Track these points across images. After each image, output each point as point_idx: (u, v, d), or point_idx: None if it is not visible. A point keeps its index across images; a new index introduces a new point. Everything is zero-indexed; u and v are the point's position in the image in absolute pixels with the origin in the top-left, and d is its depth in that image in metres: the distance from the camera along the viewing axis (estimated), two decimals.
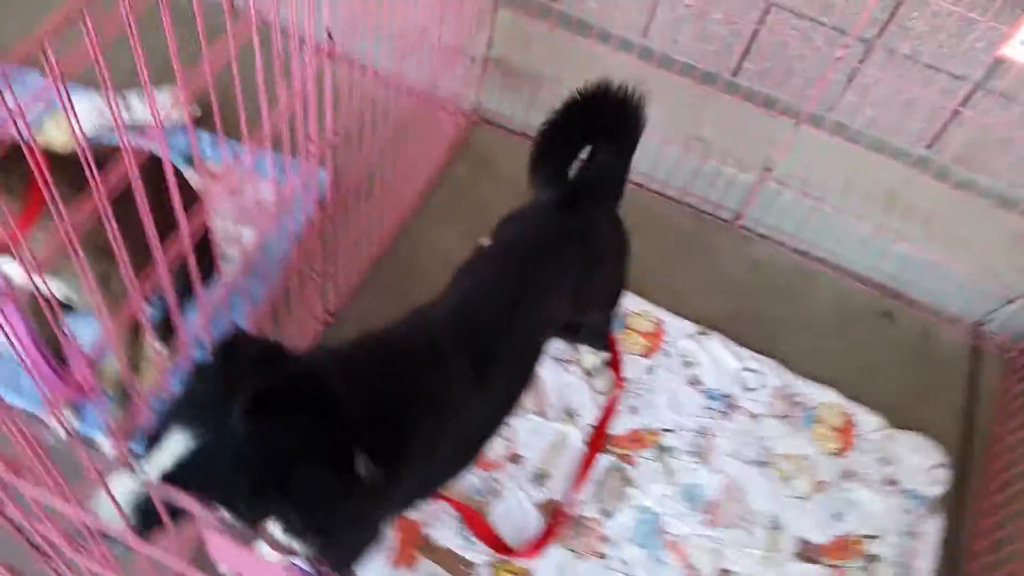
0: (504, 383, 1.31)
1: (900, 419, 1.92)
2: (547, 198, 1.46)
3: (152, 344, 1.49)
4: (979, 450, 1.94)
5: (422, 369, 1.19)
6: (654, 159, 2.17)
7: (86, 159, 0.92)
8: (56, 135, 1.98)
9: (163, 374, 1.47)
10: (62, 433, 1.62)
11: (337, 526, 1.06)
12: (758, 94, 2.07)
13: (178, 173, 1.28)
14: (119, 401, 1.60)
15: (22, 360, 1.23)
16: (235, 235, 1.75)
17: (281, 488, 0.95)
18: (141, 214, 1.07)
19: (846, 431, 1.88)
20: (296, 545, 1.14)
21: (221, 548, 0.67)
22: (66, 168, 0.97)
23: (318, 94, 1.31)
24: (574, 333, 1.62)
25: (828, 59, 1.93)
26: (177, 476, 0.92)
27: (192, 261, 1.22)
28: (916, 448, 1.88)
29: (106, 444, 1.61)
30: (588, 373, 1.86)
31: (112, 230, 1.03)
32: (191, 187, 1.45)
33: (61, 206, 0.94)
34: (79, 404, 1.65)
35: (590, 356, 1.87)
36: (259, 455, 0.94)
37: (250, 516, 1.00)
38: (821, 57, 1.92)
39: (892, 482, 1.83)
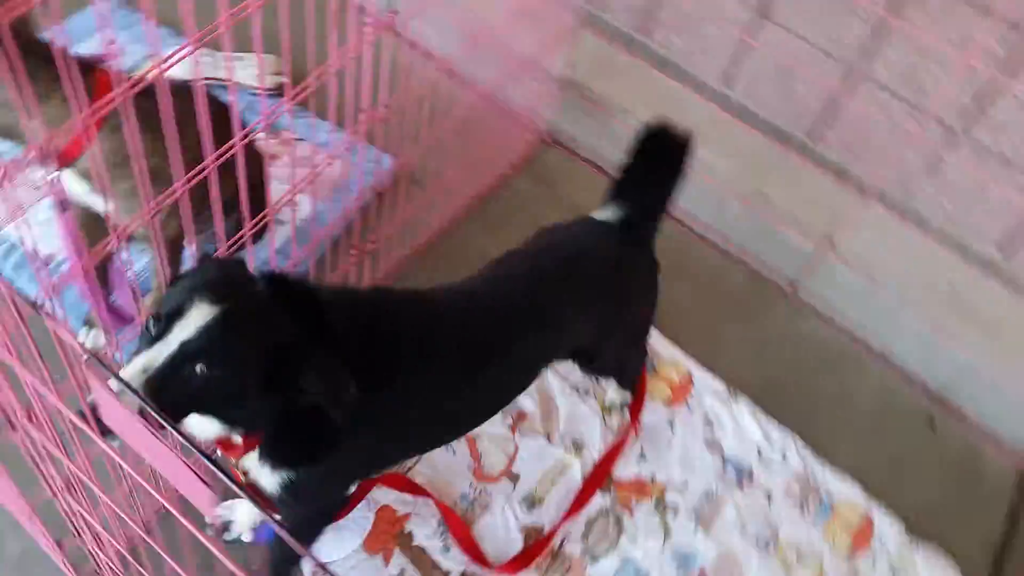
0: (499, 373, 1.27)
1: (924, 533, 1.80)
2: (603, 217, 1.44)
3: None
4: None
5: (423, 329, 1.17)
6: (716, 210, 2.12)
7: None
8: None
9: None
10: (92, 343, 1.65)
11: (323, 445, 1.08)
12: (831, 163, 2.00)
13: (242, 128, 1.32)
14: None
15: (72, 274, 1.25)
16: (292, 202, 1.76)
17: (294, 368, 0.96)
18: (203, 147, 1.10)
19: (862, 532, 1.76)
20: (266, 478, 1.12)
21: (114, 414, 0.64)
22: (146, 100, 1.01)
23: (374, 64, 1.31)
24: (589, 363, 1.56)
25: (910, 141, 1.86)
26: (197, 348, 0.91)
27: (245, 206, 1.25)
28: (933, 566, 1.75)
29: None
30: (606, 410, 1.80)
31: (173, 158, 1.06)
32: (254, 148, 1.48)
33: (131, 127, 0.98)
34: (117, 328, 1.66)
35: (613, 393, 1.81)
36: (277, 326, 0.96)
37: (252, 409, 0.99)
38: (902, 137, 1.86)
39: None
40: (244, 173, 1.21)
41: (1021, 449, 1.98)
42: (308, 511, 1.27)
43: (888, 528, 1.78)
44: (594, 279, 1.37)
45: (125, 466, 0.72)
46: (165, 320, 0.92)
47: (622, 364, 1.66)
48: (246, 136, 1.16)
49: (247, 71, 2.11)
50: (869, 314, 2.05)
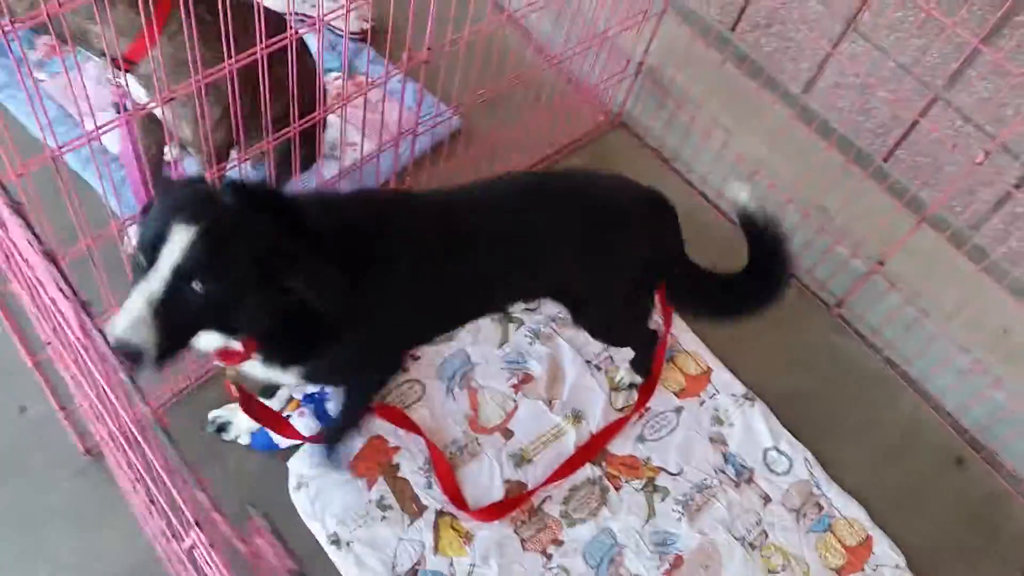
0: (482, 268, 1.32)
1: (926, 571, 1.72)
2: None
3: None
4: None
5: (403, 222, 1.25)
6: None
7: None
8: None
9: None
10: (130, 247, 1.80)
11: (323, 338, 1.15)
12: (897, 184, 1.94)
13: (308, 60, 1.42)
14: None
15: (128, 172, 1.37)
16: (355, 142, 1.85)
17: (282, 269, 1.01)
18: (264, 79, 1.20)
19: (858, 554, 1.71)
20: (283, 376, 1.23)
21: None
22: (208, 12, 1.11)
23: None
24: (575, 310, 1.56)
25: (981, 172, 1.78)
26: (188, 267, 0.94)
27: (296, 131, 1.34)
28: None
29: None
30: (615, 388, 1.82)
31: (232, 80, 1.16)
32: (315, 81, 1.58)
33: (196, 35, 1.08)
34: None
35: (624, 373, 1.82)
36: (258, 233, 1.01)
37: (250, 315, 1.04)
38: (974, 168, 1.78)
39: None
40: (295, 75, 1.26)
41: None
42: (353, 380, 1.40)
43: (887, 556, 1.72)
44: (594, 215, 1.40)
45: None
46: (150, 249, 0.95)
47: (610, 325, 1.65)
48: (294, 38, 1.21)
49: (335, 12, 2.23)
50: (912, 344, 1.97)
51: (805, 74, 2.06)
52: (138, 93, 1.43)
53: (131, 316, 0.92)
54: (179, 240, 0.95)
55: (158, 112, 1.47)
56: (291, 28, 1.24)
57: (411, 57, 1.47)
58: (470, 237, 1.29)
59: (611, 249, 1.42)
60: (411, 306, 1.26)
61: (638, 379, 1.82)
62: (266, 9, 1.23)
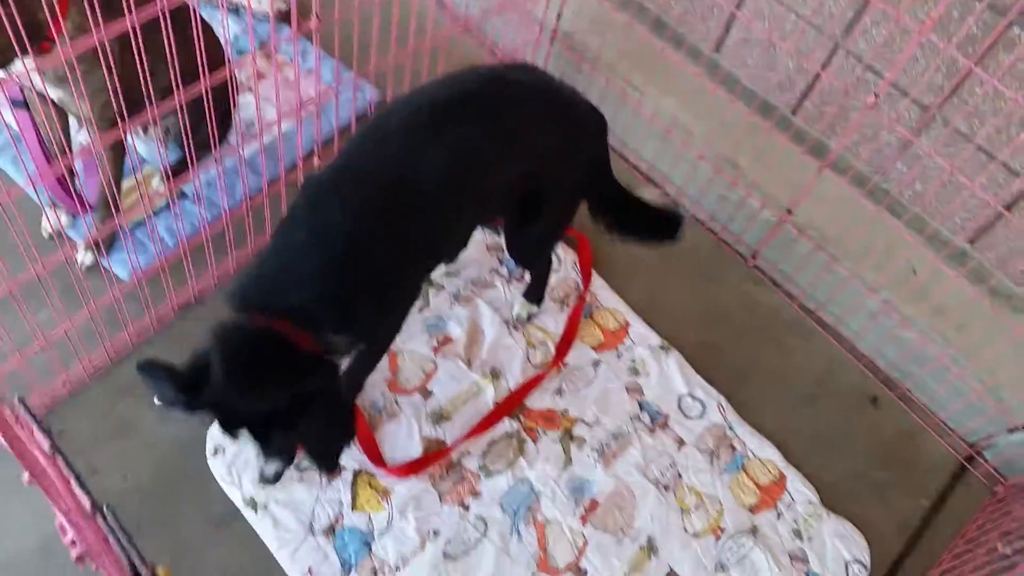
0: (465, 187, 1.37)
1: (839, 506, 1.79)
2: None
3: (140, 177, 1.62)
4: (914, 571, 1.76)
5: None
6: (687, 174, 2.13)
7: None
8: None
9: (146, 207, 1.60)
10: (50, 227, 1.82)
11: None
12: (801, 132, 1.99)
13: (211, 36, 1.44)
14: (101, 216, 1.76)
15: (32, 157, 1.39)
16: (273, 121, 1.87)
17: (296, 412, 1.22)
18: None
19: (770, 491, 1.77)
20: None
21: None
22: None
23: None
24: (534, 216, 1.58)
25: (878, 115, 1.84)
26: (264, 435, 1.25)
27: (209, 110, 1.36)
28: (841, 535, 1.74)
29: (83, 250, 1.78)
30: (531, 345, 1.86)
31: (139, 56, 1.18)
32: (222, 55, 1.60)
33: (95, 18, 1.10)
34: (74, 212, 1.83)
35: (519, 307, 1.88)
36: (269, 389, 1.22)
37: (279, 443, 1.31)
38: (878, 115, 1.83)
39: (798, 559, 1.70)
40: (172, 41, 1.26)
41: (960, 436, 1.93)
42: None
43: (800, 493, 1.78)
44: (555, 107, 1.46)
45: None
46: (258, 437, 1.24)
47: (547, 232, 1.68)
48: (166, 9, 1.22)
49: None
50: (825, 290, 2.03)
51: (715, 33, 2.10)
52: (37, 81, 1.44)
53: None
54: (243, 422, 1.24)
55: (54, 94, 1.49)
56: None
57: (300, 24, 1.49)
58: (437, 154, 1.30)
59: (571, 139, 1.49)
60: (416, 247, 1.36)
61: (535, 309, 1.88)
62: None
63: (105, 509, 0.69)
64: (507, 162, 1.41)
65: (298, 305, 1.24)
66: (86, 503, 0.68)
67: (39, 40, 1.36)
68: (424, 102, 1.33)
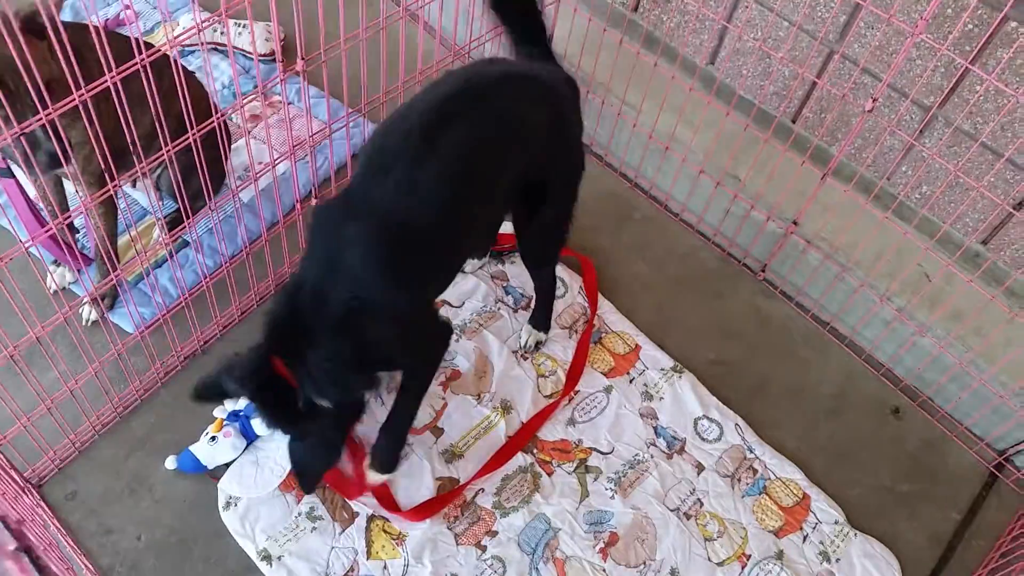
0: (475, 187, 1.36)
1: (866, 523, 1.74)
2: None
3: (135, 233, 1.61)
4: None
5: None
6: (690, 190, 2.10)
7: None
8: (161, 38, 2.24)
9: (143, 260, 1.59)
10: (55, 284, 1.82)
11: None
12: (801, 139, 1.95)
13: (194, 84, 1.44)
14: (101, 272, 1.76)
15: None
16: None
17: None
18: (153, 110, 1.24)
19: (795, 513, 1.72)
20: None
21: None
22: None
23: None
24: (538, 206, 1.56)
25: (878, 119, 1.80)
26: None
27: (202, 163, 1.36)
28: (870, 555, 1.69)
29: (86, 306, 1.78)
30: (542, 375, 1.83)
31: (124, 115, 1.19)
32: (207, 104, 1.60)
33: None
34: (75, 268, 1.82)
35: (526, 336, 1.86)
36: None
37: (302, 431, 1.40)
38: (881, 119, 1.80)
39: None
40: (155, 93, 1.25)
41: (988, 444, 1.88)
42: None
43: (825, 513, 1.73)
44: (548, 94, 1.45)
45: None
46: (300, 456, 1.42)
47: (559, 221, 1.64)
48: (151, 55, 1.21)
49: (243, 38, 2.25)
50: (838, 300, 1.98)
51: (708, 45, 2.08)
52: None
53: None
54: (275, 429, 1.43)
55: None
56: (142, 54, 1.23)
57: (286, 68, 1.48)
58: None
59: (557, 111, 1.47)
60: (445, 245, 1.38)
61: (543, 337, 1.84)
62: (110, 34, 1.25)
63: None
64: (508, 152, 1.39)
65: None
66: None
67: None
68: (413, 125, 1.29)
